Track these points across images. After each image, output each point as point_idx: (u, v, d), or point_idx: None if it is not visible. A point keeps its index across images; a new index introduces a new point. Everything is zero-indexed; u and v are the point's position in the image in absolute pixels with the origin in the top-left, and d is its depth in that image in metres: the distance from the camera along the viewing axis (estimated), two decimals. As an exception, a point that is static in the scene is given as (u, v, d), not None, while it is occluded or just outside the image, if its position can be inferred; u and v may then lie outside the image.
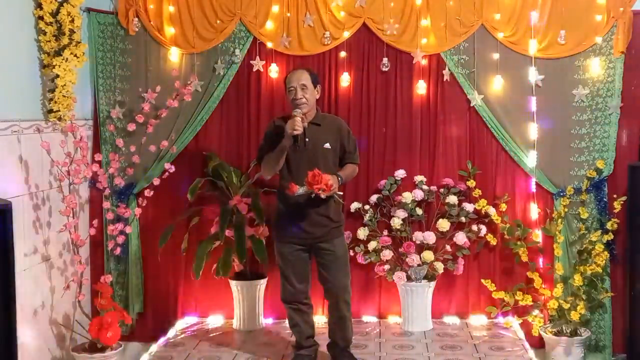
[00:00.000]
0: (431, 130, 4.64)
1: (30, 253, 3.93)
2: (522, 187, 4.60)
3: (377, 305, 4.75)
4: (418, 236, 4.50)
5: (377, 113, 4.65)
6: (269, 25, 4.59)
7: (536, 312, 4.43)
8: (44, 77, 4.07)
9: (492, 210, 4.51)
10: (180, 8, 4.60)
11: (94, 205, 4.65)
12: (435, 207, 4.62)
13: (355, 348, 4.04)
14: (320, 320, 4.44)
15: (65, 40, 4.05)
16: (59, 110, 4.09)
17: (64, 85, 4.08)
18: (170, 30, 4.63)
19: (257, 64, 4.63)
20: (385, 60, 4.57)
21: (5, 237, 2.71)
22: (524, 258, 4.45)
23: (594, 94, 4.44)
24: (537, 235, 4.52)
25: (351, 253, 4.50)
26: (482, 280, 4.52)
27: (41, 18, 3.94)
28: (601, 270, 4.29)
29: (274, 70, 4.63)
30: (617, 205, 4.31)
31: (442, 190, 4.59)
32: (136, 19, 4.59)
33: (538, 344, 4.44)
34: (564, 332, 4.30)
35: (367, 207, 4.61)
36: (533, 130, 4.50)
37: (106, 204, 4.46)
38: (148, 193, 4.42)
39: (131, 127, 4.46)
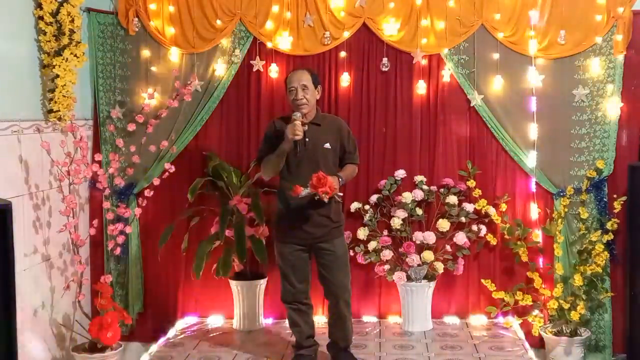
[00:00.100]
0: (431, 130, 4.64)
1: (30, 253, 3.93)
2: (522, 187, 4.60)
3: (377, 305, 4.75)
4: (418, 236, 4.50)
5: (377, 113, 4.65)
6: (269, 25, 4.59)
7: (536, 312, 4.43)
8: (44, 77, 4.07)
9: (492, 210, 4.51)
10: (180, 8, 4.60)
11: (94, 205, 4.65)
12: (435, 207, 4.62)
13: (355, 348, 4.04)
14: (320, 320, 4.44)
15: (65, 40, 4.05)
16: (59, 110, 4.09)
17: (64, 85, 4.08)
18: (170, 30, 4.63)
19: (257, 64, 4.63)
20: (385, 60, 4.57)
21: (5, 237, 2.71)
22: (524, 258, 4.45)
23: (594, 94, 4.44)
24: (537, 235, 4.52)
25: (351, 253, 4.50)
26: (482, 280, 4.52)
27: (41, 18, 3.95)
28: (601, 270, 4.29)
29: (274, 70, 4.62)
30: (617, 205, 4.31)
31: (442, 190, 4.59)
32: (136, 19, 4.59)
33: (538, 344, 4.45)
34: (564, 332, 4.30)
35: (367, 207, 4.61)
36: (533, 130, 4.50)
37: (106, 204, 4.47)
38: (148, 193, 4.43)
39: (131, 127, 4.46)
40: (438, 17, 4.50)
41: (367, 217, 4.60)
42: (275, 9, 4.57)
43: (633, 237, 4.19)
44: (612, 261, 4.44)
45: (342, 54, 4.61)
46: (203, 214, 4.65)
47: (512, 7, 4.46)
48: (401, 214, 4.52)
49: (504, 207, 4.53)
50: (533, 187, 4.55)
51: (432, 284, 4.52)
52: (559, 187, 4.50)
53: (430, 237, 4.48)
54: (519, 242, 4.48)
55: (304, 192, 3.51)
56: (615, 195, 4.37)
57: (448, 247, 4.53)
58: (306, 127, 3.63)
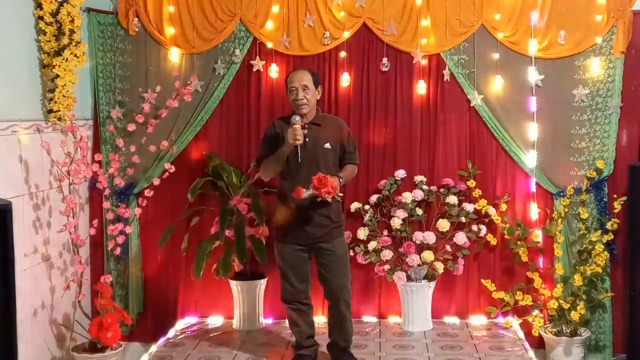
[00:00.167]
0: (431, 130, 4.64)
1: (30, 253, 3.93)
2: (522, 187, 4.60)
3: (377, 305, 4.75)
4: (418, 236, 4.50)
5: (377, 113, 4.65)
6: (269, 25, 4.59)
7: (536, 312, 4.43)
8: (44, 77, 4.07)
9: (492, 210, 4.51)
10: (180, 8, 4.60)
11: (94, 205, 4.65)
12: (435, 207, 4.62)
13: (355, 348, 4.03)
14: (320, 320, 4.44)
15: (65, 40, 4.05)
16: (59, 110, 4.09)
17: (64, 85, 4.08)
18: (170, 30, 4.63)
19: (257, 64, 4.63)
20: (385, 60, 4.57)
21: (5, 237, 2.71)
22: (524, 258, 4.45)
23: (594, 94, 4.44)
24: (537, 235, 4.52)
25: (351, 253, 4.50)
26: (482, 280, 4.52)
27: (41, 18, 3.95)
28: (601, 270, 4.29)
29: (274, 70, 4.62)
30: (617, 205, 4.31)
31: (442, 190, 4.59)
32: (136, 19, 4.59)
33: (538, 344, 4.45)
34: (564, 332, 4.30)
35: (367, 207, 4.61)
36: (533, 130, 4.50)
37: (106, 204, 4.47)
38: (148, 193, 4.43)
39: (131, 127, 4.46)
40: (438, 17, 4.50)
41: (367, 217, 4.60)
42: (275, 9, 4.57)
43: (633, 237, 4.18)
44: (612, 261, 4.44)
45: (342, 54, 4.61)
46: (203, 214, 4.65)
47: (512, 7, 4.46)
48: (401, 214, 4.52)
49: (504, 207, 4.53)
50: (533, 187, 4.55)
51: (432, 284, 4.52)
52: (559, 187, 4.50)
53: (430, 237, 4.48)
54: (519, 242, 4.48)
55: (305, 193, 3.51)
56: (615, 195, 4.37)
57: (448, 247, 4.53)
58: (306, 131, 3.63)
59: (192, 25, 4.60)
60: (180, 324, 4.72)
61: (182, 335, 4.51)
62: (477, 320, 4.66)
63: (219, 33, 4.59)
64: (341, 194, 3.73)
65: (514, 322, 4.52)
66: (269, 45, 4.60)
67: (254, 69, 4.64)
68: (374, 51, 4.61)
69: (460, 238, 4.49)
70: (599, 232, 4.33)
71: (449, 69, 4.55)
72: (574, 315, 4.20)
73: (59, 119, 4.14)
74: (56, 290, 4.20)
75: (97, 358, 4.02)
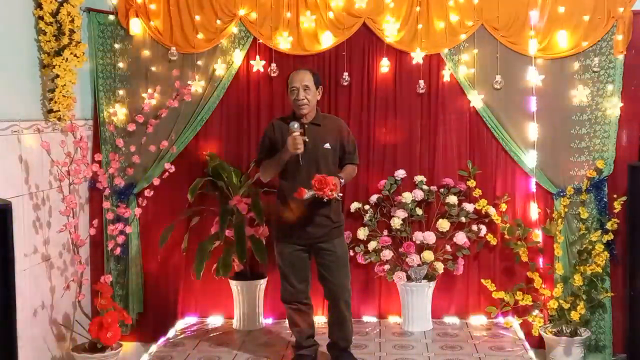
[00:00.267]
0: (431, 130, 4.64)
1: (30, 253, 3.93)
2: (522, 187, 4.60)
3: (377, 305, 4.75)
4: (418, 236, 4.50)
5: (377, 113, 4.65)
6: (269, 25, 4.58)
7: (536, 312, 4.43)
8: (44, 77, 4.07)
9: (492, 210, 4.51)
10: (180, 8, 4.59)
11: (94, 205, 4.65)
12: (435, 207, 4.61)
13: (355, 348, 4.03)
14: (320, 320, 4.44)
15: (65, 40, 4.05)
16: (59, 110, 4.09)
17: (64, 85, 4.08)
18: (170, 31, 4.62)
19: (257, 64, 4.63)
20: (385, 60, 4.57)
21: (5, 237, 2.71)
22: (524, 258, 4.45)
23: (594, 94, 4.44)
24: (537, 235, 4.52)
25: (351, 253, 4.50)
26: (482, 280, 4.52)
27: (41, 18, 3.95)
28: (601, 270, 4.29)
29: (273, 70, 4.62)
30: (617, 205, 4.31)
31: (442, 190, 4.59)
32: (136, 19, 4.59)
33: (538, 344, 4.45)
34: (564, 332, 4.30)
35: (367, 207, 4.61)
36: (533, 130, 4.50)
37: (106, 204, 4.47)
38: (148, 193, 4.43)
39: (131, 127, 4.46)
40: (438, 17, 4.50)
41: (367, 217, 4.60)
42: (275, 9, 4.56)
43: (633, 237, 4.19)
44: (612, 261, 4.44)
45: (342, 54, 4.60)
46: (203, 214, 4.65)
47: (512, 7, 4.45)
48: (401, 214, 4.52)
49: (504, 207, 4.53)
50: (533, 187, 4.55)
51: (432, 284, 4.52)
52: (559, 187, 4.50)
53: (430, 237, 4.48)
54: (519, 242, 4.48)
55: (307, 194, 3.52)
56: (615, 195, 4.36)
57: (448, 247, 4.53)
58: (306, 138, 3.63)
59: (192, 25, 4.60)
60: (180, 324, 4.72)
61: (182, 335, 4.51)
62: (477, 320, 4.66)
63: (219, 33, 4.59)
64: (341, 194, 3.73)
65: (514, 322, 4.52)
66: (269, 45, 4.59)
67: (254, 69, 4.64)
68: (374, 51, 4.61)
69: (460, 238, 4.49)
70: (599, 232, 4.33)
71: (449, 69, 4.55)
72: (574, 315, 4.20)
73: (59, 119, 4.14)
74: (56, 290, 4.20)
75: (97, 358, 4.02)
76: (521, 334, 4.42)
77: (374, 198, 4.62)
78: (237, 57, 4.63)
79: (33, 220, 3.97)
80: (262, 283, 4.64)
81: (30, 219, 3.94)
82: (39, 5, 3.94)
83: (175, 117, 4.63)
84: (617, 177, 4.43)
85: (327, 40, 4.57)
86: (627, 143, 4.46)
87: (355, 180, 4.34)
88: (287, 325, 4.04)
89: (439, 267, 4.47)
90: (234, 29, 4.60)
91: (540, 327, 4.36)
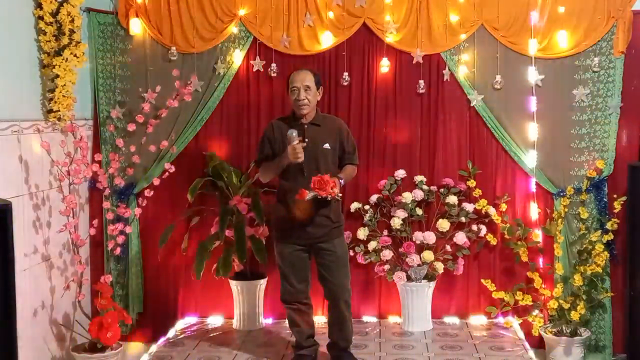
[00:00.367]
0: (431, 130, 4.64)
1: (30, 253, 3.93)
2: (522, 187, 4.59)
3: (377, 305, 4.75)
4: (418, 236, 4.50)
5: (377, 113, 4.65)
6: (269, 25, 4.58)
7: (536, 312, 4.43)
8: (44, 77, 4.07)
9: (492, 210, 4.51)
10: (180, 8, 4.59)
11: (94, 205, 4.65)
12: (435, 207, 4.61)
13: (355, 348, 4.04)
14: (320, 320, 4.44)
15: (65, 40, 4.05)
16: (59, 110, 4.09)
17: (64, 85, 4.08)
18: (170, 30, 4.62)
19: (257, 64, 4.63)
20: (385, 60, 4.57)
21: (5, 237, 2.71)
22: (524, 258, 4.45)
23: (594, 94, 4.44)
24: (537, 235, 4.52)
25: (351, 253, 4.50)
26: (482, 280, 4.52)
27: (41, 18, 3.95)
28: (601, 270, 4.29)
29: (274, 70, 4.62)
30: (617, 205, 4.31)
31: (442, 190, 4.59)
32: (136, 18, 4.59)
33: (538, 344, 4.45)
34: (564, 332, 4.30)
35: (367, 207, 4.61)
36: (533, 130, 4.50)
37: (106, 204, 4.47)
38: (148, 193, 4.43)
39: (131, 127, 4.46)
40: (438, 17, 4.50)
41: (367, 217, 4.60)
42: (275, 9, 4.56)
43: (633, 237, 4.19)
44: (612, 261, 4.44)
45: (342, 54, 4.60)
46: (203, 214, 4.65)
47: (512, 7, 4.45)
48: (401, 214, 4.52)
49: (504, 207, 4.53)
50: (533, 187, 4.55)
51: (432, 284, 4.52)
52: (559, 187, 4.50)
53: (430, 237, 4.48)
54: (519, 242, 4.48)
55: (309, 195, 3.52)
56: (615, 195, 4.36)
57: (448, 247, 4.53)
58: (305, 144, 3.62)
59: (192, 25, 4.60)
60: (180, 324, 4.72)
61: (182, 335, 4.51)
62: (477, 320, 4.66)
63: (219, 33, 4.59)
64: (340, 194, 3.73)
65: (514, 322, 4.52)
66: (269, 45, 4.59)
67: (254, 69, 4.64)
68: (374, 51, 4.61)
69: (460, 238, 4.49)
70: (599, 232, 4.33)
71: (449, 69, 4.55)
72: (574, 315, 4.20)
73: (59, 119, 4.14)
74: (56, 290, 4.20)
75: (97, 358, 4.02)
76: (521, 334, 4.42)
77: (374, 198, 4.62)
78: (237, 57, 4.63)
79: (33, 220, 3.97)
80: (262, 283, 4.64)
81: (30, 219, 3.94)
82: (39, 5, 3.94)
83: (175, 117, 4.63)
84: (617, 177, 4.43)
85: (327, 40, 4.57)
86: (627, 143, 4.46)
87: (355, 180, 4.34)
88: (287, 325, 4.04)
89: (439, 267, 4.46)
90: (234, 29, 4.60)
91: (540, 327, 4.36)
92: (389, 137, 4.66)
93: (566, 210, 4.42)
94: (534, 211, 4.55)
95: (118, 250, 4.35)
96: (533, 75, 4.47)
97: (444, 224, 4.51)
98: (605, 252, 4.27)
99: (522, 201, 4.60)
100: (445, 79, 4.56)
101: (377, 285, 4.72)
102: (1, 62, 3.66)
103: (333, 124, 3.88)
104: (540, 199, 4.55)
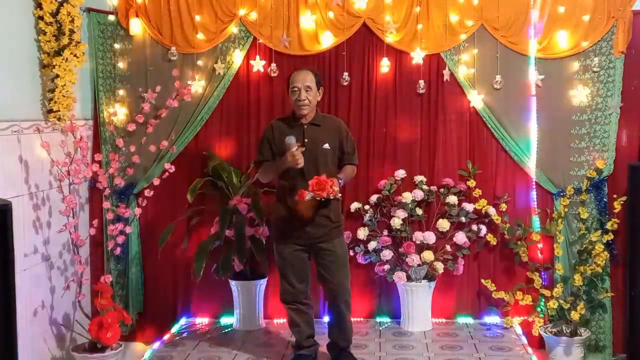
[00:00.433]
0: (431, 130, 4.64)
1: (30, 253, 3.93)
2: (522, 187, 4.59)
3: (377, 305, 4.75)
4: (418, 236, 4.50)
5: (377, 113, 4.65)
6: (269, 25, 4.58)
7: (536, 312, 4.43)
8: (44, 77, 4.07)
9: (492, 210, 4.51)
10: (180, 8, 4.59)
11: (94, 205, 4.65)
12: (435, 207, 4.61)
13: (355, 348, 4.04)
14: (320, 320, 4.44)
15: (65, 40, 4.05)
16: (59, 110, 4.09)
17: (64, 85, 4.08)
18: (170, 30, 4.62)
19: (257, 64, 4.63)
20: (385, 60, 4.57)
21: (5, 237, 2.71)
22: (524, 258, 4.45)
23: (594, 94, 4.44)
24: (537, 235, 4.51)
25: (351, 253, 4.50)
26: (482, 280, 4.52)
27: (41, 18, 3.95)
28: (601, 270, 4.29)
29: (273, 70, 4.62)
30: (617, 205, 4.31)
31: (442, 190, 4.59)
32: (136, 18, 4.59)
33: (538, 344, 4.45)
34: (564, 332, 4.30)
35: (367, 207, 4.61)
36: (533, 130, 4.49)
37: (106, 204, 4.47)
38: (148, 193, 4.43)
39: (131, 127, 4.46)
40: (438, 17, 4.50)
41: (367, 217, 4.60)
42: (275, 9, 4.56)
43: (633, 237, 4.19)
44: (612, 261, 4.44)
45: (342, 54, 4.60)
46: (203, 214, 4.65)
47: (512, 7, 4.45)
48: (401, 214, 4.52)
49: (504, 207, 4.53)
50: (533, 187, 4.55)
51: (432, 284, 4.52)
52: (559, 187, 4.50)
53: (430, 237, 4.48)
54: (519, 242, 4.48)
55: (308, 196, 3.53)
56: (615, 195, 4.36)
57: (448, 247, 4.53)
58: (304, 148, 3.62)
59: (192, 25, 4.60)
60: (180, 324, 4.72)
61: (182, 335, 4.51)
62: (477, 320, 4.66)
63: (219, 33, 4.59)
64: (340, 195, 3.73)
65: (514, 322, 4.52)
66: (269, 45, 4.59)
67: (254, 69, 4.64)
68: (374, 51, 4.60)
69: (460, 238, 4.50)
70: (599, 232, 4.33)
71: (449, 69, 4.55)
72: (574, 315, 4.20)
73: (59, 119, 4.13)
74: (56, 290, 4.20)
75: (97, 358, 4.01)
76: (521, 334, 4.42)
77: (374, 198, 4.62)
78: (237, 57, 4.63)
79: (33, 220, 3.97)
80: (262, 283, 4.64)
81: (30, 219, 3.94)
82: (39, 5, 3.94)
83: (175, 117, 4.63)
84: (617, 177, 4.43)
85: (327, 40, 4.57)
86: (627, 143, 4.46)
87: (355, 180, 4.35)
88: (287, 325, 4.04)
89: (439, 267, 4.46)
90: (234, 29, 4.60)
91: (540, 327, 4.36)
92: (389, 137, 4.66)
93: (566, 210, 4.42)
94: (534, 211, 4.55)
95: (118, 250, 4.35)
96: (533, 75, 4.47)
97: (444, 224, 4.51)
98: (605, 252, 4.27)
99: (522, 201, 4.60)
100: (445, 79, 4.56)
101: (377, 285, 4.72)
102: (1, 62, 3.66)
103: (333, 124, 3.88)
104: (540, 199, 4.55)
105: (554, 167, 4.51)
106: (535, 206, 4.54)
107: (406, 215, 4.53)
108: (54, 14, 4.00)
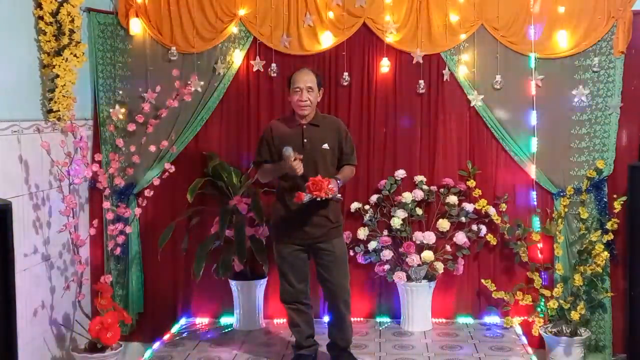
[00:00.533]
0: (431, 130, 4.64)
1: (30, 253, 3.93)
2: (522, 187, 4.59)
3: (377, 305, 4.75)
4: (418, 236, 4.50)
5: (377, 113, 4.65)
6: (269, 25, 4.58)
7: (536, 311, 4.43)
8: (44, 77, 4.07)
9: (492, 210, 4.51)
10: (180, 8, 4.60)
11: (94, 205, 4.65)
12: (435, 207, 4.61)
13: (355, 348, 4.03)
14: (320, 320, 4.44)
15: (65, 40, 4.05)
16: (59, 110, 4.09)
17: (64, 85, 4.08)
18: (170, 30, 4.62)
19: (257, 64, 4.63)
20: (385, 60, 4.57)
21: (5, 237, 2.71)
22: (524, 258, 4.45)
23: (594, 94, 4.44)
24: (537, 235, 4.51)
25: (351, 253, 4.50)
26: (482, 280, 4.52)
27: (41, 18, 3.94)
28: (601, 270, 4.29)
29: (274, 70, 4.62)
30: (617, 205, 4.31)
31: (442, 190, 4.59)
32: (136, 18, 4.59)
33: (538, 344, 4.45)
34: (564, 332, 4.30)
35: (367, 207, 4.61)
36: (533, 130, 4.49)
37: (106, 204, 4.46)
38: (148, 193, 4.43)
39: (131, 127, 4.46)
40: (438, 17, 4.50)
41: (367, 217, 4.60)
42: (275, 9, 4.56)
43: (633, 237, 4.19)
44: (612, 261, 4.44)
45: (342, 54, 4.60)
46: (203, 214, 4.65)
47: (512, 7, 4.45)
48: (401, 214, 4.52)
49: (504, 207, 4.53)
50: (533, 187, 4.55)
51: (432, 284, 4.52)
52: (559, 187, 4.50)
53: (430, 237, 4.48)
54: (519, 242, 4.48)
55: (306, 197, 3.52)
56: (615, 195, 4.36)
57: (448, 247, 4.53)
58: (301, 156, 3.61)
59: (192, 25, 4.60)
60: (180, 324, 4.72)
61: (182, 335, 4.51)
62: (477, 320, 4.66)
63: (218, 33, 4.59)
64: (339, 195, 3.73)
65: (514, 322, 4.52)
66: (269, 45, 4.59)
67: (254, 69, 4.64)
68: (374, 51, 4.60)
69: (460, 238, 4.50)
70: (599, 232, 4.33)
71: (449, 69, 4.55)
72: (574, 315, 4.20)
73: (59, 119, 4.13)
74: (56, 290, 4.20)
75: (97, 358, 4.01)
76: (521, 334, 4.42)
77: (374, 198, 4.62)
78: (237, 57, 4.63)
79: (33, 220, 3.97)
80: (262, 283, 4.64)
81: (30, 219, 3.94)
82: (39, 5, 3.94)
83: (175, 117, 4.63)
84: (617, 177, 4.43)
85: (327, 40, 4.57)
86: (627, 143, 4.46)
87: (355, 180, 4.35)
88: (287, 325, 4.04)
89: (439, 267, 4.46)
90: (234, 29, 4.60)
91: (540, 327, 4.36)
92: (389, 137, 4.66)
93: (566, 210, 4.42)
94: (533, 211, 4.55)
95: (118, 250, 4.35)
96: (533, 75, 4.47)
97: (444, 224, 4.51)
98: (605, 252, 4.27)
99: (522, 201, 4.59)
100: (445, 79, 4.56)
101: (377, 285, 4.72)
102: (1, 62, 3.65)
103: (332, 124, 3.87)
104: (540, 199, 4.55)
105: (554, 167, 4.51)
106: (535, 206, 4.54)
107: (406, 215, 4.53)
108: (54, 14, 4.00)
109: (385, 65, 4.57)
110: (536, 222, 4.54)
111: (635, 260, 4.15)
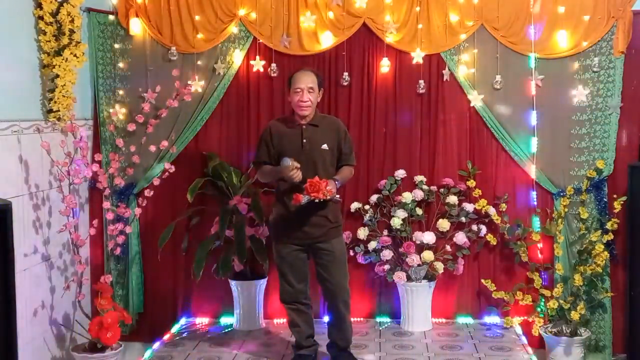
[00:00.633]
0: (431, 130, 4.64)
1: (30, 253, 3.93)
2: (522, 187, 4.59)
3: (377, 305, 4.75)
4: (418, 236, 4.50)
5: (377, 113, 4.65)
6: (269, 25, 4.58)
7: (536, 311, 4.43)
8: (44, 77, 4.07)
9: (492, 210, 4.51)
10: (180, 8, 4.59)
11: (94, 205, 4.65)
12: (435, 207, 4.61)
13: (355, 348, 4.03)
14: (320, 320, 4.44)
15: (65, 40, 4.05)
16: (59, 110, 4.09)
17: (64, 85, 4.08)
18: (170, 30, 4.62)
19: (257, 64, 4.63)
20: (385, 60, 4.57)
21: (5, 237, 2.71)
22: (524, 258, 4.45)
23: (594, 94, 4.44)
24: (537, 236, 4.51)
25: (351, 253, 4.50)
26: (482, 280, 4.52)
27: (41, 18, 3.94)
28: (601, 270, 4.29)
29: (274, 70, 4.62)
30: (617, 205, 4.31)
31: (442, 190, 4.59)
32: (136, 18, 4.59)
33: (538, 344, 4.45)
34: (564, 332, 4.30)
35: (367, 207, 4.61)
36: (533, 131, 4.49)
37: (106, 204, 4.46)
38: (148, 193, 4.43)
39: (131, 127, 4.46)
40: (438, 17, 4.50)
41: (367, 217, 4.60)
42: (275, 9, 4.56)
43: (633, 237, 4.19)
44: (612, 261, 4.44)
45: (342, 54, 4.60)
46: (203, 214, 4.65)
47: (512, 7, 4.45)
48: (401, 214, 4.52)
49: (503, 207, 4.53)
50: (533, 187, 4.55)
51: (432, 284, 4.52)
52: (559, 187, 4.50)
53: (430, 237, 4.48)
54: (519, 242, 4.48)
55: (304, 199, 3.53)
56: (615, 195, 4.36)
57: (448, 247, 4.53)
58: (299, 165, 3.61)
59: (192, 25, 4.60)
60: (180, 324, 4.72)
61: (182, 335, 4.51)
62: (477, 320, 4.66)
63: (219, 33, 4.59)
64: (338, 196, 3.72)
65: (514, 322, 4.52)
66: (269, 45, 4.59)
67: (254, 69, 4.64)
68: (374, 51, 4.60)
69: (460, 238, 4.50)
70: (599, 232, 4.33)
71: (449, 69, 4.55)
72: (574, 315, 4.20)
73: (59, 119, 4.13)
74: (56, 290, 4.20)
75: (97, 358, 4.01)
76: (521, 334, 4.42)
77: (374, 198, 4.62)
78: (237, 57, 4.63)
79: (33, 220, 3.97)
80: (262, 283, 4.64)
81: (30, 219, 3.94)
82: (39, 5, 3.94)
83: (175, 117, 4.63)
84: (617, 177, 4.43)
85: (327, 40, 4.57)
86: (627, 143, 4.46)
87: (355, 180, 4.35)
88: (287, 325, 4.04)
89: (439, 267, 4.46)
90: (234, 29, 4.60)
91: (540, 327, 4.36)
92: (389, 137, 4.66)
93: (566, 210, 4.42)
94: (533, 211, 4.55)
95: (118, 250, 4.35)
96: (533, 75, 4.47)
97: (444, 224, 4.51)
98: (605, 252, 4.26)
99: (522, 201, 4.59)
100: (445, 79, 4.56)
101: (377, 285, 4.72)
102: (1, 62, 3.65)
103: (331, 124, 3.87)
104: (540, 199, 4.55)
105: (554, 167, 4.51)
106: (535, 206, 4.54)
107: (406, 215, 4.53)
108: (54, 14, 4.00)
109: (385, 65, 4.57)
110: (536, 222, 4.54)
111: (635, 260, 4.15)
